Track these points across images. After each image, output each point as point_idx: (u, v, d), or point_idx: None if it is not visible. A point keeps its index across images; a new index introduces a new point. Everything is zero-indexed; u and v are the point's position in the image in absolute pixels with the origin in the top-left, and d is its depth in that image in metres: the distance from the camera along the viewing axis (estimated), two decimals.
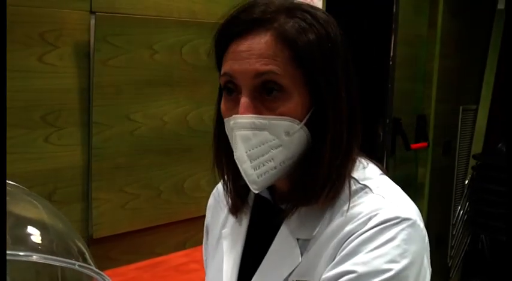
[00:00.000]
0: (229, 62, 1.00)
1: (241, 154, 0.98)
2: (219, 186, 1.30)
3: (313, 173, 0.99)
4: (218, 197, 1.29)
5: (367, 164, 1.06)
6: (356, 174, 1.03)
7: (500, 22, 4.48)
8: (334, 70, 0.98)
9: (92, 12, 2.24)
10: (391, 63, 3.66)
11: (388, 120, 3.63)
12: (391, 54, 3.66)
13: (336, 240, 0.96)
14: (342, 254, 0.94)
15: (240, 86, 0.98)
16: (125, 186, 2.44)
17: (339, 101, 0.98)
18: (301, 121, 0.97)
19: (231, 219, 1.18)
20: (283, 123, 0.96)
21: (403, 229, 0.93)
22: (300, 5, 1.01)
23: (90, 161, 2.32)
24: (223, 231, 1.18)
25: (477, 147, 4.53)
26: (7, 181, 1.05)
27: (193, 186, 2.70)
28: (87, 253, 0.91)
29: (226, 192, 1.16)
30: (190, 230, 2.75)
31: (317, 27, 0.98)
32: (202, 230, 2.75)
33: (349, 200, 0.98)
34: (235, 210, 1.15)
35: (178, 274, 2.46)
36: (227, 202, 1.16)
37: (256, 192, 1.04)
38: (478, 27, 4.46)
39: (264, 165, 0.98)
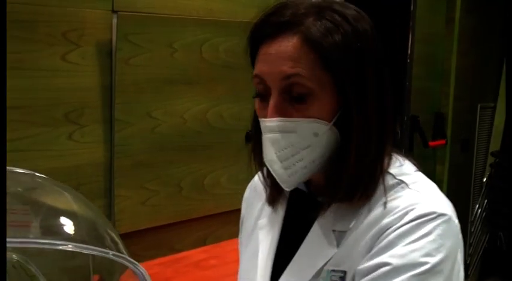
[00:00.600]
0: (259, 64, 1.01)
1: (271, 156, 1.00)
2: (256, 178, 1.32)
3: (343, 173, 1.01)
4: (254, 189, 1.30)
5: (403, 160, 1.08)
6: (392, 170, 1.04)
7: None
8: (361, 70, 0.99)
9: (113, 11, 2.27)
10: (408, 61, 3.65)
11: (405, 118, 3.63)
12: (409, 52, 3.65)
13: (372, 232, 0.98)
14: (379, 246, 0.96)
15: (270, 88, 0.99)
16: (146, 183, 2.48)
17: (366, 101, 0.99)
18: (329, 122, 0.99)
19: (267, 210, 1.19)
20: (311, 125, 0.98)
21: (438, 224, 0.95)
22: (331, 4, 1.02)
23: (112, 158, 2.35)
24: (259, 222, 1.19)
25: (495, 144, 4.51)
26: (36, 174, 1.08)
27: (213, 183, 2.73)
28: (120, 243, 0.94)
29: (264, 184, 1.17)
30: (210, 226, 2.78)
31: (345, 28, 0.98)
32: (222, 227, 2.79)
33: (385, 194, 1.00)
34: (272, 200, 1.17)
35: (198, 270, 2.48)
36: (265, 193, 1.18)
37: (288, 190, 1.07)
38: (495, 24, 4.44)
39: (294, 165, 1.00)
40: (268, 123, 0.99)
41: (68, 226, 0.93)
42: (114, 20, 2.28)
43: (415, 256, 0.93)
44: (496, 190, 4.13)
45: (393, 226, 0.96)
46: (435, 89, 4.13)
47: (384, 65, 1.03)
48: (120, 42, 2.29)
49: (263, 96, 1.02)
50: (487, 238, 4.25)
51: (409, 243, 0.94)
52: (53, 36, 2.13)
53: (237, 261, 2.66)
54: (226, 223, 2.84)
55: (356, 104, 0.98)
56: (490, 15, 4.37)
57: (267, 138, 1.00)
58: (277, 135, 0.98)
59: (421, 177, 1.06)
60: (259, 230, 1.18)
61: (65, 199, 1.05)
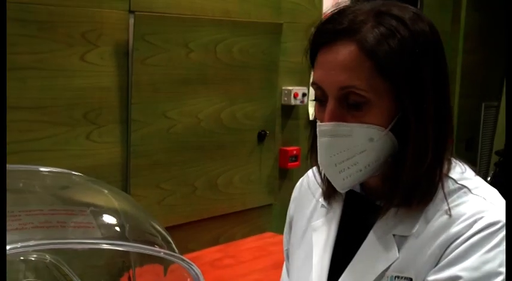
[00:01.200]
0: (317, 71, 1.02)
1: (325, 160, 1.02)
2: (304, 180, 1.33)
3: (400, 178, 1.01)
4: (306, 187, 1.30)
5: (463, 165, 1.08)
6: (454, 175, 1.04)
7: None
8: (419, 75, 0.98)
9: (130, 11, 2.27)
10: None
11: None
12: None
13: (440, 240, 0.98)
14: (449, 257, 0.97)
15: (327, 94, 1.00)
16: (162, 182, 2.48)
17: (425, 109, 0.99)
18: (385, 128, 0.99)
19: (321, 211, 1.20)
20: (366, 130, 0.99)
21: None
22: (390, 8, 1.01)
23: (128, 158, 2.36)
24: (313, 223, 1.19)
25: (499, 143, 4.54)
26: (72, 172, 1.08)
27: (226, 182, 2.74)
28: (171, 241, 0.94)
29: (321, 180, 1.18)
30: (224, 225, 2.79)
31: (402, 33, 0.97)
32: (235, 226, 2.80)
33: (446, 198, 1.00)
34: (328, 196, 1.17)
35: (213, 269, 2.49)
36: (322, 187, 1.18)
37: (342, 192, 1.08)
38: (501, 22, 4.46)
39: (349, 168, 1.01)
40: (323, 127, 1.00)
41: (121, 225, 0.93)
42: (131, 20, 2.28)
43: (488, 268, 0.94)
44: (500, 188, 4.14)
45: (462, 235, 0.96)
46: None
47: (444, 64, 1.03)
48: (136, 42, 2.30)
49: (321, 101, 1.03)
50: None
51: (481, 255, 0.94)
52: (72, 36, 2.13)
53: (251, 260, 2.69)
54: (239, 222, 2.86)
55: (413, 109, 0.98)
56: (496, 13, 4.39)
57: (321, 142, 1.01)
58: (331, 139, 1.00)
59: (482, 182, 1.06)
60: (313, 232, 1.18)
61: (108, 197, 1.04)
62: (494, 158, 4.40)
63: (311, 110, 3.06)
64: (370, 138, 0.99)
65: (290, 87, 2.92)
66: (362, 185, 1.12)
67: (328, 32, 1.01)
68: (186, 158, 2.56)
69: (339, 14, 1.02)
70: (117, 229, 0.95)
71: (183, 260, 0.87)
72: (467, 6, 4.09)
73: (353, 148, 0.99)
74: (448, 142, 1.05)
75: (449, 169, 1.04)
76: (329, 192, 1.16)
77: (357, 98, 0.98)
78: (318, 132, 1.02)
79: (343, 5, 1.04)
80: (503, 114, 4.53)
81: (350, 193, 1.14)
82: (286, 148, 2.98)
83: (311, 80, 1.05)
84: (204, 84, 2.57)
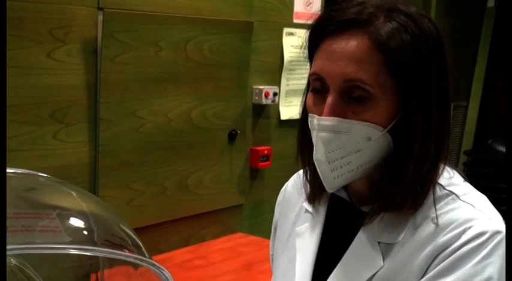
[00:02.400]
0: (320, 61, 0.97)
1: (320, 155, 0.97)
2: (289, 184, 1.29)
3: (397, 182, 0.97)
4: (289, 193, 1.27)
5: (452, 171, 1.05)
6: (442, 180, 1.00)
7: (490, 19, 4.54)
8: (427, 76, 0.96)
9: (99, 8, 2.23)
10: None
11: None
12: None
13: (428, 249, 0.95)
14: (437, 269, 0.94)
15: (328, 86, 0.96)
16: (131, 183, 2.44)
17: (430, 109, 0.96)
18: (384, 127, 0.95)
19: (305, 216, 1.17)
20: (365, 128, 0.95)
21: (497, 243, 0.93)
22: (397, 5, 0.97)
23: (97, 158, 2.31)
24: (297, 228, 1.16)
25: (468, 143, 4.59)
26: (39, 174, 1.04)
27: (196, 183, 2.70)
28: (142, 246, 0.91)
29: (306, 183, 1.14)
30: (194, 226, 2.76)
31: (413, 29, 0.94)
32: (205, 227, 2.77)
33: (435, 206, 0.97)
34: (312, 200, 1.14)
35: (183, 271, 2.46)
36: (305, 192, 1.15)
37: (331, 192, 1.04)
38: (469, 25, 4.51)
39: (341, 167, 0.97)
40: (323, 121, 0.96)
41: (90, 228, 0.90)
42: (100, 17, 2.24)
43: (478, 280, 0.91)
44: None
45: (451, 245, 0.93)
46: None
47: (446, 65, 1.00)
48: (105, 39, 2.25)
49: (319, 92, 0.98)
50: None
51: (470, 267, 0.92)
52: (39, 33, 2.07)
53: (222, 261, 2.67)
54: (210, 223, 2.83)
55: (420, 109, 0.95)
56: (464, 16, 4.43)
57: (320, 136, 0.97)
58: (330, 135, 0.96)
59: (471, 188, 1.03)
60: (297, 237, 1.15)
61: (74, 199, 1.01)
62: (463, 158, 4.45)
63: (282, 110, 3.04)
64: (368, 137, 0.95)
65: (261, 87, 2.89)
66: (347, 189, 1.09)
67: (338, 20, 0.96)
68: (156, 158, 2.52)
69: (347, 3, 0.97)
70: (86, 232, 0.92)
71: (153, 265, 0.84)
72: (436, 9, 4.12)
73: (349, 146, 0.96)
74: (445, 147, 1.01)
75: (438, 175, 1.01)
76: (313, 196, 1.13)
77: (362, 92, 0.94)
78: (315, 126, 0.97)
79: None
80: (472, 114, 4.59)
81: (334, 198, 1.11)
82: (257, 148, 2.95)
83: (310, 70, 1.00)
84: (174, 83, 2.54)
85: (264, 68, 2.94)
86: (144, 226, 2.52)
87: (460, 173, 1.06)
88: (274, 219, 1.29)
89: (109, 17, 2.25)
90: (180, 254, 2.61)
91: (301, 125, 1.07)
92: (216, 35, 2.65)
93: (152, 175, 2.52)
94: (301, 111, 1.08)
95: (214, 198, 2.80)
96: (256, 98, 2.90)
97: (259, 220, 3.04)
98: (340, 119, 0.95)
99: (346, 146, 0.96)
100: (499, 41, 4.53)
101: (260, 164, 2.95)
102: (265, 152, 2.97)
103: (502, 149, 4.25)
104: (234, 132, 2.83)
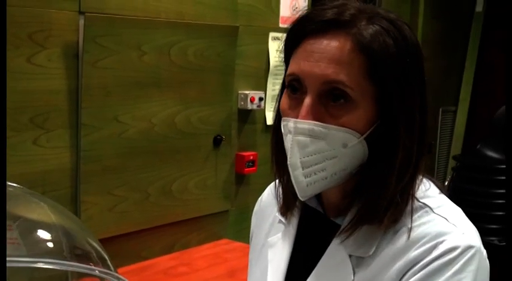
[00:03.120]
0: (299, 61, 0.93)
1: (295, 160, 0.93)
2: (265, 193, 1.26)
3: (379, 194, 0.93)
4: (264, 203, 1.24)
5: (428, 182, 1.01)
6: (416, 192, 0.97)
7: (478, 25, 4.54)
8: (409, 83, 0.93)
9: (80, 12, 2.20)
10: None
11: None
12: None
13: (398, 264, 0.92)
14: None
15: (306, 87, 0.92)
16: (113, 189, 2.41)
17: (413, 117, 0.93)
18: (361, 134, 0.92)
19: (278, 227, 1.14)
20: (342, 134, 0.91)
21: (469, 259, 0.90)
22: (378, 11, 0.95)
23: (78, 164, 2.28)
24: (269, 239, 1.13)
25: (456, 148, 4.58)
26: (10, 183, 1.02)
27: (181, 188, 2.68)
28: (107, 257, 0.89)
29: (278, 193, 1.11)
30: (178, 232, 2.73)
31: (395, 35, 0.92)
32: (190, 233, 2.75)
33: (411, 218, 0.94)
34: (285, 211, 1.10)
35: (167, 278, 2.44)
36: (278, 203, 1.12)
37: (303, 200, 1.00)
38: (457, 30, 4.51)
39: (315, 174, 0.93)
40: (300, 124, 0.92)
41: (52, 241, 0.88)
42: (81, 22, 2.21)
43: None
44: (458, 193, 4.18)
45: (421, 261, 0.90)
46: None
47: (424, 77, 0.97)
48: (87, 44, 2.22)
49: (296, 93, 0.95)
50: None
51: None
52: (19, 37, 2.05)
53: (206, 268, 2.64)
54: (194, 229, 2.80)
55: (403, 120, 0.92)
56: (452, 21, 4.43)
57: (296, 140, 0.92)
58: (306, 139, 0.92)
59: (446, 200, 1.00)
60: (269, 248, 1.12)
61: (43, 211, 0.99)
62: (452, 163, 4.43)
63: (268, 115, 3.02)
64: (344, 143, 0.92)
65: (246, 92, 2.87)
66: (320, 200, 1.06)
67: (319, 21, 0.92)
68: (139, 164, 2.49)
69: (328, 5, 0.95)
70: (50, 244, 0.90)
71: (118, 278, 0.82)
72: (424, 14, 4.12)
73: (324, 152, 0.92)
74: (424, 157, 0.98)
75: (415, 185, 0.98)
76: (286, 206, 1.09)
77: (342, 95, 0.91)
78: (291, 129, 0.93)
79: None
80: (461, 119, 4.58)
81: (307, 208, 1.08)
82: (242, 153, 2.93)
83: (287, 71, 0.97)
84: (158, 88, 2.51)
85: (249, 73, 2.92)
86: (127, 232, 2.50)
87: (436, 184, 1.03)
88: (250, 230, 1.27)
89: (90, 21, 2.23)
90: (164, 261, 2.58)
91: (274, 130, 1.04)
92: (200, 40, 2.63)
93: (135, 181, 2.49)
94: (274, 116, 1.04)
95: (199, 204, 2.78)
96: (242, 103, 2.88)
97: (244, 226, 3.01)
98: (318, 123, 0.91)
99: (321, 152, 0.92)
100: (487, 45, 4.53)
101: (246, 169, 2.93)
102: (251, 157, 2.95)
103: (491, 153, 4.25)
104: (219, 137, 2.80)
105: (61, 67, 2.19)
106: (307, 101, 0.92)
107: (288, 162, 0.95)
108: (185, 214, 2.73)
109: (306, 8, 0.99)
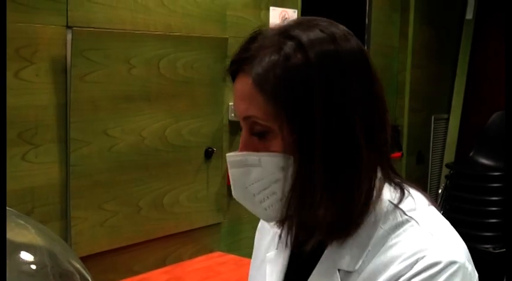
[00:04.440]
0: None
1: (239, 192, 0.98)
2: None
3: (315, 211, 0.93)
4: None
5: (416, 193, 1.00)
6: (403, 205, 0.96)
7: (469, 32, 4.55)
8: (310, 103, 0.91)
9: (68, 27, 2.20)
10: None
11: None
12: None
13: (380, 279, 0.91)
14: None
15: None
16: (104, 203, 2.39)
17: (314, 136, 0.91)
18: (293, 156, 0.93)
19: (276, 242, 1.13)
20: (274, 159, 0.94)
21: (451, 275, 0.88)
22: (294, 29, 0.94)
23: (68, 179, 2.27)
24: (268, 255, 1.13)
25: (449, 156, 4.58)
26: None
27: (172, 202, 2.66)
28: (89, 278, 0.88)
29: None
30: (170, 246, 2.71)
31: (296, 60, 0.91)
32: (182, 247, 2.73)
33: (393, 232, 0.93)
34: (281, 225, 1.08)
35: None
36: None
37: (270, 223, 1.03)
38: (448, 37, 4.53)
39: (268, 198, 0.96)
40: (232, 158, 0.98)
41: (36, 263, 0.87)
42: (69, 36, 2.20)
43: None
44: (451, 200, 4.18)
45: (402, 276, 0.89)
46: (390, 101, 4.16)
47: (364, 84, 0.95)
48: (75, 58, 2.21)
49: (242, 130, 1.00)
50: None
51: None
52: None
53: None
54: (187, 242, 2.78)
55: (318, 135, 0.91)
56: (443, 29, 4.45)
57: (232, 173, 0.98)
58: (242, 169, 0.96)
59: (434, 214, 0.98)
60: (268, 263, 1.12)
61: (28, 232, 0.98)
62: (445, 171, 4.43)
63: None
64: (281, 167, 0.93)
65: None
66: None
67: (232, 61, 0.98)
68: (129, 178, 2.48)
69: (248, 40, 0.97)
70: (34, 267, 0.90)
71: None
72: (414, 22, 4.13)
73: (266, 177, 0.95)
74: (371, 168, 0.95)
75: (400, 199, 0.97)
76: (280, 222, 1.10)
77: (259, 127, 0.95)
78: (228, 164, 0.98)
79: (262, 28, 0.98)
80: (453, 126, 4.58)
81: None
82: None
83: None
84: (147, 101, 2.50)
85: None
86: (119, 247, 2.48)
87: (426, 197, 1.01)
88: (254, 245, 1.27)
89: (78, 35, 2.22)
90: (156, 275, 2.56)
91: None
92: (189, 52, 2.62)
93: (126, 195, 2.48)
94: None
95: (190, 217, 2.76)
96: (233, 114, 2.87)
97: (237, 238, 2.99)
98: (250, 152, 0.96)
99: (263, 178, 0.95)
100: (478, 52, 4.54)
101: None
102: None
103: (484, 161, 4.26)
104: (210, 149, 2.79)
105: (49, 82, 2.18)
106: (242, 135, 0.98)
107: (234, 197, 1.00)
108: (177, 227, 2.72)
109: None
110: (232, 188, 0.99)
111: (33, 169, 2.17)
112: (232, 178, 0.98)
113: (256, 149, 0.95)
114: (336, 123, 0.92)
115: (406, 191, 0.99)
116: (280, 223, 1.01)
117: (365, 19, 3.83)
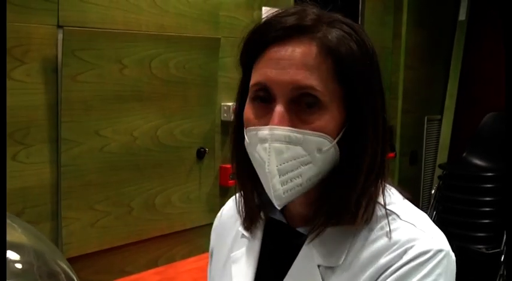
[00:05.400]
0: (265, 70, 0.91)
1: (273, 167, 0.90)
2: (225, 208, 1.24)
3: (347, 195, 0.92)
4: (224, 218, 1.21)
5: (391, 188, 0.99)
6: (380, 199, 0.96)
7: (462, 33, 4.56)
8: (373, 86, 0.93)
9: (59, 26, 2.19)
10: None
11: None
12: None
13: (369, 272, 0.90)
14: None
15: (275, 95, 0.90)
16: (95, 204, 2.39)
17: (378, 119, 0.93)
18: (334, 138, 0.91)
19: (241, 241, 1.10)
20: (317, 139, 0.90)
21: (438, 262, 0.89)
22: (337, 16, 0.94)
23: (59, 179, 2.26)
24: (232, 254, 1.10)
25: (442, 156, 4.58)
26: None
27: (164, 202, 2.65)
28: (75, 279, 0.88)
29: (241, 207, 1.07)
30: (162, 247, 2.70)
31: (357, 38, 0.92)
32: (174, 247, 2.72)
33: (389, 226, 0.93)
34: (249, 225, 1.07)
35: None
36: (240, 216, 1.08)
37: (279, 208, 0.97)
38: (441, 39, 4.53)
39: (291, 181, 0.91)
40: (276, 131, 0.89)
41: (23, 262, 0.86)
42: (60, 36, 2.19)
43: None
44: (444, 201, 4.18)
45: (391, 266, 0.89)
46: None
47: (381, 79, 0.97)
48: (66, 58, 2.21)
49: (263, 103, 0.93)
50: None
51: None
52: None
53: None
54: (179, 243, 2.78)
55: (369, 122, 0.92)
56: (436, 30, 4.45)
57: (273, 147, 0.89)
58: (282, 146, 0.89)
59: (411, 206, 0.99)
60: (233, 264, 1.09)
61: (15, 232, 0.98)
62: (438, 172, 4.43)
63: None
64: (319, 148, 0.90)
65: (229, 103, 2.86)
66: (283, 210, 1.03)
67: (280, 28, 0.91)
68: (121, 178, 2.47)
69: (287, 12, 0.93)
70: (20, 266, 0.89)
71: None
72: (407, 23, 4.13)
73: (300, 158, 0.90)
74: (386, 159, 0.97)
75: (379, 190, 0.96)
76: (249, 220, 1.06)
77: (312, 100, 0.89)
78: (264, 137, 0.90)
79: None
80: (446, 127, 4.59)
81: (270, 220, 1.06)
82: (226, 166, 2.91)
83: (252, 81, 0.94)
84: (139, 101, 2.49)
85: (232, 85, 2.90)
86: (111, 247, 2.47)
87: (398, 191, 1.01)
88: (210, 246, 1.24)
89: (69, 35, 2.21)
90: (148, 276, 2.55)
91: (235, 142, 1.02)
92: (181, 52, 2.62)
93: (118, 195, 2.47)
94: (234, 127, 1.02)
95: (182, 217, 2.75)
96: (225, 115, 2.87)
97: None
98: (293, 128, 0.89)
99: (297, 158, 0.90)
100: (471, 54, 4.55)
101: (230, 181, 2.91)
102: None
103: (477, 162, 4.26)
104: (202, 150, 2.79)
105: (40, 82, 2.17)
106: (279, 108, 0.90)
107: (267, 170, 0.91)
108: (169, 227, 2.71)
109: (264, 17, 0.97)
110: (265, 162, 0.91)
111: (25, 169, 2.16)
112: (268, 152, 0.90)
113: (294, 125, 0.90)
114: (382, 108, 0.95)
115: (383, 185, 0.98)
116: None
117: (358, 20, 3.83)
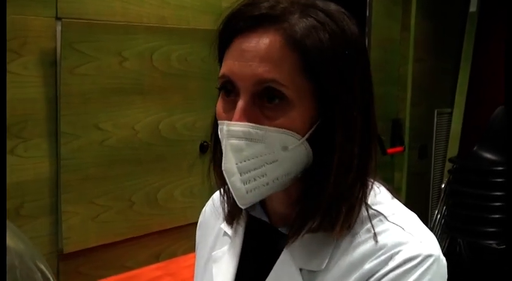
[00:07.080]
0: (230, 62, 0.88)
1: (230, 166, 0.86)
2: (209, 203, 1.20)
3: (317, 197, 0.87)
4: (208, 215, 1.18)
5: (379, 186, 0.95)
6: (367, 198, 0.91)
7: (473, 25, 4.48)
8: (348, 80, 0.86)
9: (57, 18, 2.16)
10: None
11: None
12: None
13: (353, 278, 0.86)
14: None
15: (239, 89, 0.86)
16: (95, 198, 2.36)
17: (352, 116, 0.87)
18: (302, 136, 0.86)
19: (223, 240, 1.07)
20: (281, 136, 0.85)
21: (427, 268, 0.84)
22: (315, 3, 0.88)
23: (58, 173, 2.23)
24: (213, 253, 1.07)
25: (453, 150, 4.52)
26: None
27: (166, 197, 2.62)
28: (51, 278, 0.85)
29: (223, 202, 1.04)
30: (164, 242, 2.68)
31: (332, 28, 0.85)
32: (176, 242, 2.69)
33: (373, 228, 0.89)
34: (229, 222, 1.04)
35: None
36: (223, 212, 1.05)
37: (243, 208, 0.93)
38: (451, 30, 4.46)
39: (255, 179, 0.86)
40: (234, 127, 0.85)
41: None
42: (58, 28, 2.16)
43: None
44: (454, 195, 4.12)
45: (377, 272, 0.85)
46: (391, 95, 4.11)
47: (369, 71, 0.92)
48: (64, 50, 2.17)
49: (230, 96, 0.89)
50: (446, 244, 4.24)
51: None
52: None
53: (192, 278, 2.57)
54: (181, 238, 2.74)
55: (341, 118, 0.86)
56: (445, 21, 4.38)
57: (230, 144, 0.85)
58: (241, 142, 0.85)
59: (399, 207, 0.94)
60: (214, 263, 1.05)
61: None
62: (448, 166, 4.37)
63: None
64: (283, 146, 0.85)
65: None
66: (265, 209, 0.99)
67: (247, 17, 0.86)
68: (121, 172, 2.44)
69: (268, 1, 0.88)
70: None
71: None
72: (416, 15, 4.06)
73: (263, 156, 0.85)
74: (372, 159, 0.92)
75: (366, 191, 0.91)
76: (230, 217, 1.03)
77: (276, 94, 0.85)
78: (224, 134, 0.87)
79: None
80: (457, 120, 4.52)
81: (253, 219, 1.02)
82: None
83: (220, 73, 0.91)
84: (140, 94, 2.46)
85: None
86: (111, 242, 2.44)
87: (387, 189, 0.97)
88: (196, 243, 1.21)
89: (68, 27, 2.18)
90: (149, 271, 2.52)
91: (213, 136, 0.98)
92: (183, 44, 2.58)
93: (118, 190, 2.44)
94: (212, 121, 0.98)
95: (185, 212, 2.72)
96: None
97: None
98: (254, 124, 0.85)
99: (259, 156, 0.86)
100: (482, 45, 4.48)
101: None
102: None
103: (488, 155, 4.19)
104: (205, 144, 2.75)
105: (38, 75, 2.14)
106: (241, 103, 0.85)
107: (223, 168, 0.87)
108: (171, 222, 2.68)
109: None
110: (224, 160, 0.87)
111: (23, 163, 2.14)
112: (227, 150, 0.86)
113: (258, 122, 0.85)
114: (363, 102, 0.90)
115: (367, 184, 0.93)
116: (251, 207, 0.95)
117: (366, 12, 3.77)
